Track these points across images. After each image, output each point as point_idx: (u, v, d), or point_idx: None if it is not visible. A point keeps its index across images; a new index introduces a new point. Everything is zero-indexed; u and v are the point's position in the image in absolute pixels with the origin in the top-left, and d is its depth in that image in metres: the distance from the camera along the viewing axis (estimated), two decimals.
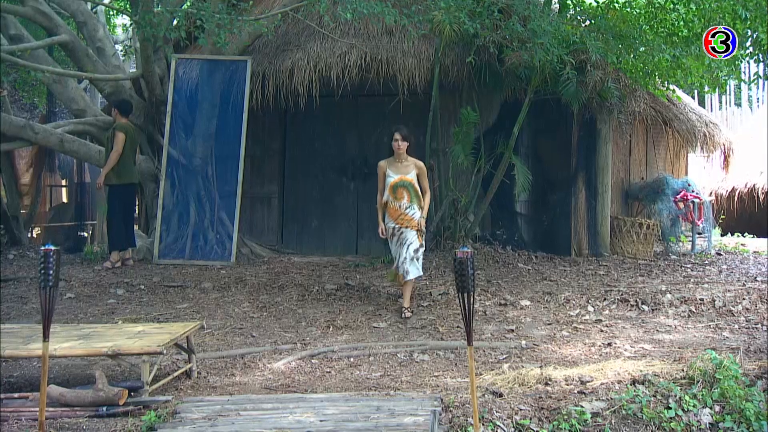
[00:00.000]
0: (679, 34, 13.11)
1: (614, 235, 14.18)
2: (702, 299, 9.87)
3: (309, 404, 6.33)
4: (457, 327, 9.23)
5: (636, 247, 14.02)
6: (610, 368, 7.42)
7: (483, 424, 6.26)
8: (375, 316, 9.74)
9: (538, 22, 10.15)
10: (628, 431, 6.41)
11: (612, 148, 14.70)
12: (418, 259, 9.65)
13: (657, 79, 12.54)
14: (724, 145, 18.24)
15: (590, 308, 9.82)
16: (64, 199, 22.29)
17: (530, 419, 6.37)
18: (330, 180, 15.00)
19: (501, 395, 6.76)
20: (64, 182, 22.70)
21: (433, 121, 13.09)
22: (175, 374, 7.63)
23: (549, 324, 9.31)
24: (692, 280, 11.43)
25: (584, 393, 6.81)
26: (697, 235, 15.78)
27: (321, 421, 5.89)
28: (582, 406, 6.54)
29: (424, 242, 9.78)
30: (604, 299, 10.05)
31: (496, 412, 6.42)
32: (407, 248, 9.57)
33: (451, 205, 12.92)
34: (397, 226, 9.62)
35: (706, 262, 13.66)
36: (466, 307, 4.55)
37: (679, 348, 8.23)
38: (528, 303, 10.04)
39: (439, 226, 13.01)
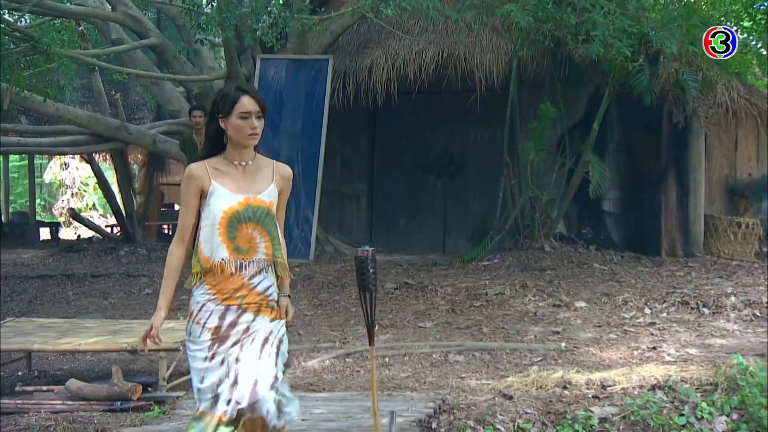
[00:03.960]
0: None
1: (710, 234, 13.65)
2: None
3: (304, 403, 6.40)
4: (502, 328, 9.15)
5: (733, 248, 13.46)
6: (638, 373, 7.20)
7: (483, 427, 6.22)
8: (424, 316, 9.75)
9: (594, 14, 9.90)
10: None
11: (713, 143, 14.20)
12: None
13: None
14: None
15: (647, 310, 9.53)
16: None
17: (533, 423, 6.28)
18: (417, 177, 15.05)
19: (511, 398, 6.68)
20: None
21: (512, 117, 12.95)
22: None
23: (599, 326, 9.11)
24: None
25: (598, 398, 6.66)
26: None
27: (303, 420, 5.97)
28: (592, 411, 6.40)
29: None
30: (664, 301, 9.73)
31: (500, 415, 6.35)
32: (269, 363, 4.27)
33: (529, 202, 12.75)
34: (233, 307, 4.24)
35: None
36: (367, 307, 4.54)
37: (726, 353, 7.89)
38: (584, 304, 9.84)
39: (518, 223, 12.86)
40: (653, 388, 6.75)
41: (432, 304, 10.14)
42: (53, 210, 31.63)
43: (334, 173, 14.98)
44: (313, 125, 13.91)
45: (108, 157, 20.33)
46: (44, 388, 7.41)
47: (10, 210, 25.07)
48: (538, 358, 8.11)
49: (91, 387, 7.03)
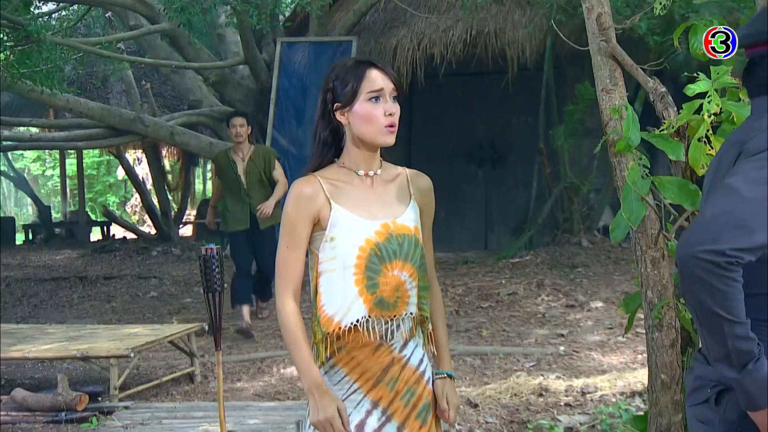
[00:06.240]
0: None
1: None
2: None
3: (248, 413, 6.53)
4: (504, 330, 9.09)
5: None
6: (625, 378, 7.14)
7: None
8: None
9: None
10: None
11: None
12: None
13: None
14: None
15: None
16: None
17: None
18: (457, 166, 14.95)
19: (476, 406, 6.70)
20: None
21: (547, 99, 12.81)
22: (164, 379, 7.99)
23: (610, 328, 8.97)
24: None
25: (571, 405, 6.62)
26: None
27: (230, 431, 6.06)
28: (559, 420, 6.37)
29: None
30: None
31: (459, 424, 6.36)
32: None
33: (565, 193, 12.59)
34: (379, 407, 2.97)
35: None
36: (213, 309, 4.55)
37: None
38: (600, 305, 9.70)
39: (556, 216, 12.74)
40: (633, 394, 6.67)
41: None
42: (126, 207, 32.34)
43: None
44: None
45: (140, 152, 20.81)
46: None
47: (68, 209, 25.66)
48: (531, 363, 8.05)
49: (35, 397, 7.21)
